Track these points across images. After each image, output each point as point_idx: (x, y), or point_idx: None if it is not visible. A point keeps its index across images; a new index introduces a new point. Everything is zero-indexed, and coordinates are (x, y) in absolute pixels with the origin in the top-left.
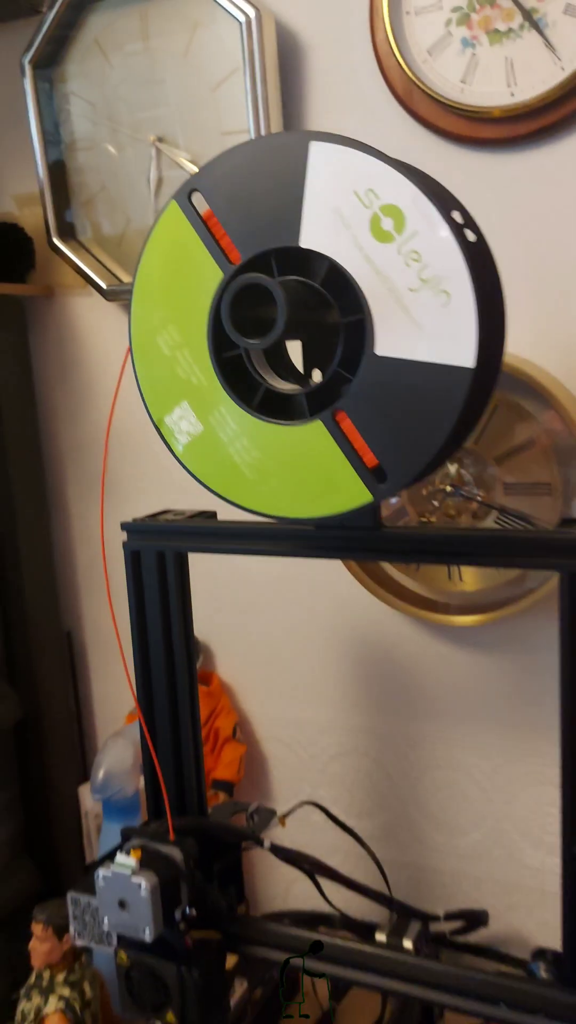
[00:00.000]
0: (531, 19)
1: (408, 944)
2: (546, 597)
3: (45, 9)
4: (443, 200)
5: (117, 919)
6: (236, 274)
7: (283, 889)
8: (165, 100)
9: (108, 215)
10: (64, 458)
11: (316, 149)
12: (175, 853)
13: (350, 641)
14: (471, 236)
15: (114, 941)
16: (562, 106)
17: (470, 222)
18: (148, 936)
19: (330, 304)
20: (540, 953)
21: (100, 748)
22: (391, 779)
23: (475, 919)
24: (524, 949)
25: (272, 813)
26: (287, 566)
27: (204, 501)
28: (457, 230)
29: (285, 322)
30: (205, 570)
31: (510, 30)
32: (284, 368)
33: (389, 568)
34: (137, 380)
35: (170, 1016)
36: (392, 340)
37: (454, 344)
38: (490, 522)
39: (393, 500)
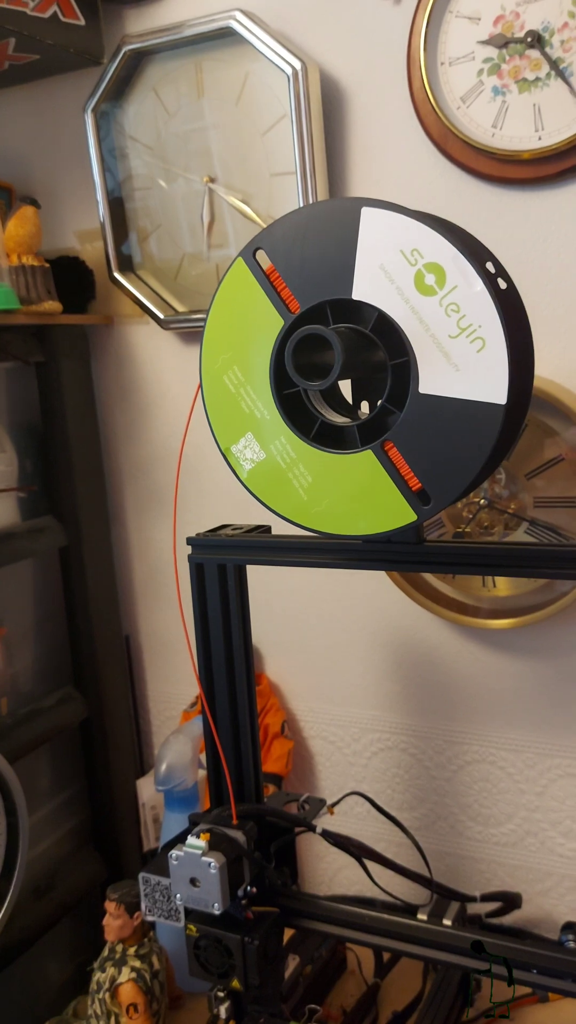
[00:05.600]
0: (557, 69)
1: (447, 923)
2: (573, 603)
3: (106, 61)
4: (478, 255)
5: (188, 894)
6: (296, 322)
7: (328, 877)
8: (217, 144)
9: (164, 249)
10: (123, 476)
11: (367, 214)
12: (239, 836)
13: (390, 644)
14: (503, 284)
15: (182, 916)
16: None
17: (501, 271)
18: (217, 909)
19: (378, 347)
20: (569, 926)
21: (161, 744)
22: (430, 773)
23: (509, 900)
24: (555, 931)
25: (322, 803)
26: (332, 575)
27: (253, 516)
28: (491, 281)
29: (341, 366)
30: (254, 579)
31: (537, 79)
32: (336, 402)
33: (427, 576)
34: (207, 415)
35: (235, 983)
36: (434, 379)
37: (488, 383)
38: (521, 533)
39: None
